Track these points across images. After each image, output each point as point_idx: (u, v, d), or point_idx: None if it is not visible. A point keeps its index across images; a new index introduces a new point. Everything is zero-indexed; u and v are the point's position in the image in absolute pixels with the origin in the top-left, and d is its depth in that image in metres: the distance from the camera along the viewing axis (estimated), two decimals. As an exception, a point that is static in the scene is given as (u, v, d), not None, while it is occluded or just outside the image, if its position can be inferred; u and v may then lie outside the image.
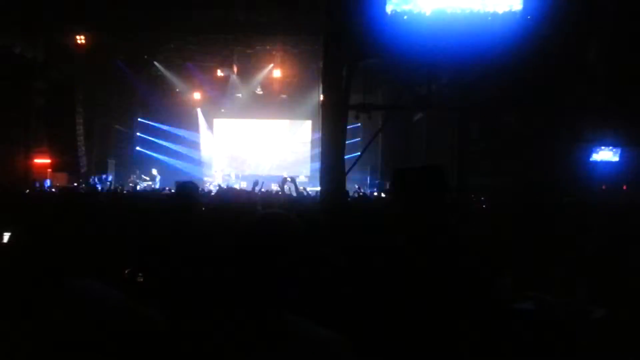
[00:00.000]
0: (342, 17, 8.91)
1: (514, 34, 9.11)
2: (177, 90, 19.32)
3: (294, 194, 6.67)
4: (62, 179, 15.36)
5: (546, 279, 3.48)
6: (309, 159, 20.59)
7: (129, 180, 17.54)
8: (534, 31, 9.14)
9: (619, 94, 10.39)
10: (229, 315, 1.28)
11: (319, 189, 9.86)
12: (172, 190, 8.61)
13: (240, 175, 19.67)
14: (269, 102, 19.65)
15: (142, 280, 3.00)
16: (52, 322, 1.37)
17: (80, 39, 14.27)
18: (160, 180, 18.09)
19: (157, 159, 19.68)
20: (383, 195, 12.25)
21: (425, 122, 15.80)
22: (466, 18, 9.41)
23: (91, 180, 15.91)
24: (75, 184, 14.77)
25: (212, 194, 9.11)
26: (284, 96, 19.49)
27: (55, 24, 13.67)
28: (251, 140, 21.04)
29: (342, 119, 9.22)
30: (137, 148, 20.03)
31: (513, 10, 9.44)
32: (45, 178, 14.90)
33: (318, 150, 9.26)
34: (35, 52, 14.21)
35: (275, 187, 13.58)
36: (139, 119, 20.24)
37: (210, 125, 21.13)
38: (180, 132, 20.42)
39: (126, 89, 18.21)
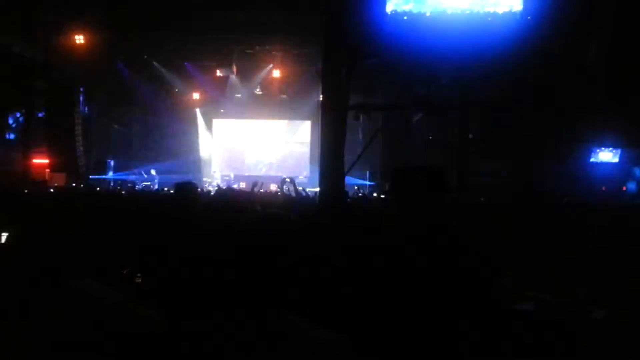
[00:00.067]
0: (342, 18, 8.90)
1: (514, 35, 9.11)
2: (177, 90, 19.31)
3: (293, 195, 6.67)
4: (60, 180, 15.36)
5: (546, 279, 3.48)
6: (308, 160, 20.57)
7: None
8: (534, 32, 9.15)
9: (618, 95, 10.40)
10: (229, 316, 1.27)
11: (318, 189, 9.84)
12: (171, 191, 8.61)
13: (239, 176, 19.66)
14: (269, 103, 19.65)
15: (140, 280, 2.98)
16: (50, 322, 1.36)
17: (80, 39, 14.27)
18: (159, 180, 18.09)
19: (155, 159, 19.66)
20: (382, 196, 12.24)
21: (425, 122, 15.80)
22: (466, 18, 9.42)
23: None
24: (74, 184, 14.77)
25: (211, 194, 9.10)
26: (283, 96, 19.48)
27: (55, 24, 13.67)
28: (250, 141, 21.02)
29: (341, 120, 9.21)
30: (136, 148, 20.03)
31: (513, 10, 9.44)
32: (45, 178, 14.90)
33: (317, 150, 9.26)
34: (35, 52, 14.21)
35: (274, 188, 13.59)
36: (138, 119, 20.23)
37: (209, 126, 21.12)
38: (179, 132, 20.40)
39: (126, 89, 18.20)
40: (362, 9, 9.00)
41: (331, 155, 9.03)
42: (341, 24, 8.90)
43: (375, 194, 14.31)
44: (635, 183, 14.00)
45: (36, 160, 15.20)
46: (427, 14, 9.36)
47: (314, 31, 12.52)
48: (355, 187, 15.10)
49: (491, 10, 9.44)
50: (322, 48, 9.19)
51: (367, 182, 17.73)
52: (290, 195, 6.76)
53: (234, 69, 17.66)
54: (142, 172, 18.20)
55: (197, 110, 20.56)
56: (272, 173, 19.69)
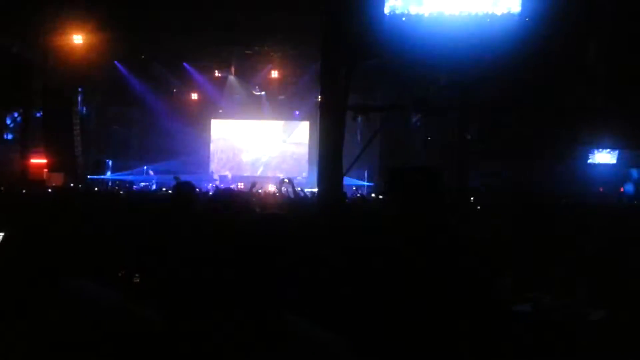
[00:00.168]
0: (341, 18, 8.90)
1: (513, 36, 9.12)
2: (175, 90, 19.29)
3: (292, 195, 6.66)
4: (58, 180, 15.33)
5: (546, 279, 3.48)
6: (306, 160, 20.57)
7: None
8: (533, 32, 9.15)
9: (618, 95, 10.41)
10: (229, 316, 1.26)
11: (316, 190, 9.85)
12: (169, 191, 8.60)
13: (237, 176, 19.64)
14: (267, 103, 19.65)
15: (138, 280, 2.97)
16: (48, 322, 1.35)
17: (79, 39, 14.24)
18: (157, 180, 18.07)
19: (153, 159, 19.63)
20: (380, 196, 12.25)
21: (424, 123, 15.80)
22: (464, 20, 9.42)
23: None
24: (72, 184, 14.75)
25: (210, 194, 9.09)
26: (282, 97, 19.49)
27: (54, 24, 13.65)
28: (249, 141, 21.01)
29: (340, 120, 9.20)
30: (134, 148, 20.00)
31: (512, 12, 9.45)
32: (42, 178, 14.88)
33: (316, 151, 9.27)
34: (34, 52, 14.20)
35: (272, 188, 13.57)
36: (136, 119, 20.19)
37: (208, 126, 21.10)
38: (178, 132, 20.36)
39: (124, 89, 18.18)
40: (360, 10, 9.00)
41: (330, 156, 9.02)
42: (340, 25, 8.90)
43: (374, 195, 14.32)
44: (632, 184, 14.03)
45: (34, 160, 15.18)
46: (426, 15, 9.37)
47: (312, 32, 12.54)
48: (354, 188, 15.08)
49: (489, 11, 9.45)
50: (321, 49, 9.18)
51: (366, 183, 17.74)
52: (288, 195, 6.76)
53: (233, 69, 17.67)
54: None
55: (196, 110, 20.47)
56: (270, 173, 19.67)
